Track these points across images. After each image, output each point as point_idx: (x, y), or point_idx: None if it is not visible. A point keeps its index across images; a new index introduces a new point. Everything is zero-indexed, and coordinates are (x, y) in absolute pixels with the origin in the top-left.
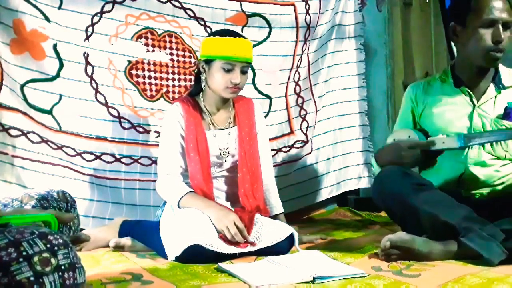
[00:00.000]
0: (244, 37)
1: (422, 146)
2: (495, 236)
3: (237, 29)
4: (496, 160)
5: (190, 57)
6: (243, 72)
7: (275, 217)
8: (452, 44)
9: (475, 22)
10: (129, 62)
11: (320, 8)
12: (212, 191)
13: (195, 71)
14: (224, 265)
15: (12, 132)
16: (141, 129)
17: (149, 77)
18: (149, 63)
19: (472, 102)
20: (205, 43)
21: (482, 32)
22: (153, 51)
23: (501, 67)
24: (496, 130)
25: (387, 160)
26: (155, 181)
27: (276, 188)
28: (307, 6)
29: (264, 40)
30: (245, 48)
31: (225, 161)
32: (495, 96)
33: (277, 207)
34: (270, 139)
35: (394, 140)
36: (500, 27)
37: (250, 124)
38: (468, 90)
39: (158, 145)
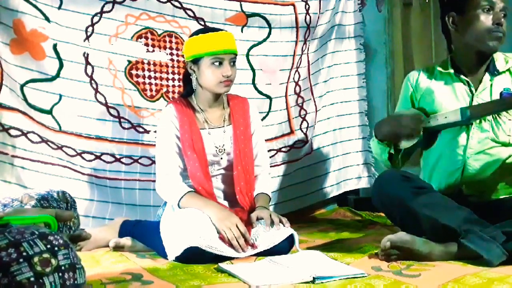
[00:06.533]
0: (225, 30)
1: (424, 121)
2: (496, 237)
3: (237, 29)
4: (499, 148)
5: None
6: (232, 64)
7: (256, 197)
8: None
9: (474, 8)
10: (129, 62)
11: (320, 8)
12: (212, 189)
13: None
14: (224, 265)
15: (12, 132)
16: (141, 129)
17: (149, 77)
18: (149, 63)
19: (471, 92)
20: (188, 44)
21: (482, 16)
22: (153, 51)
23: (495, 53)
24: (496, 100)
25: (386, 130)
26: (155, 181)
27: (268, 180)
28: (307, 6)
29: (264, 40)
30: (229, 41)
31: (221, 158)
32: (491, 85)
33: (259, 189)
34: (270, 139)
35: None
36: (499, 11)
37: (245, 124)
38: (467, 79)
39: None
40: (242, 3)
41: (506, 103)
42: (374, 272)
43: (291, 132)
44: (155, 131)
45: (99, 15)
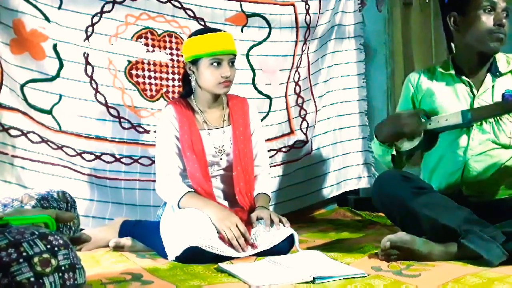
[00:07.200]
0: (224, 31)
1: (424, 123)
2: (496, 237)
3: (237, 29)
4: (499, 150)
5: None
6: (231, 65)
7: (256, 197)
8: (452, 44)
9: (475, 8)
10: (129, 62)
11: (320, 8)
12: (212, 189)
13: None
14: (224, 265)
15: (12, 132)
16: (141, 129)
17: (149, 77)
18: (149, 63)
19: (472, 93)
20: (187, 45)
21: (483, 17)
22: (153, 51)
23: (497, 54)
24: (498, 102)
25: (387, 130)
26: (155, 181)
27: (268, 180)
28: (307, 6)
29: (264, 40)
30: (228, 41)
31: (221, 159)
32: (493, 86)
33: (259, 189)
34: (270, 139)
35: None
36: (500, 11)
37: (245, 124)
38: (469, 81)
39: None
40: (242, 3)
41: (508, 105)
42: (374, 272)
43: (291, 132)
44: (155, 131)
45: (99, 15)
